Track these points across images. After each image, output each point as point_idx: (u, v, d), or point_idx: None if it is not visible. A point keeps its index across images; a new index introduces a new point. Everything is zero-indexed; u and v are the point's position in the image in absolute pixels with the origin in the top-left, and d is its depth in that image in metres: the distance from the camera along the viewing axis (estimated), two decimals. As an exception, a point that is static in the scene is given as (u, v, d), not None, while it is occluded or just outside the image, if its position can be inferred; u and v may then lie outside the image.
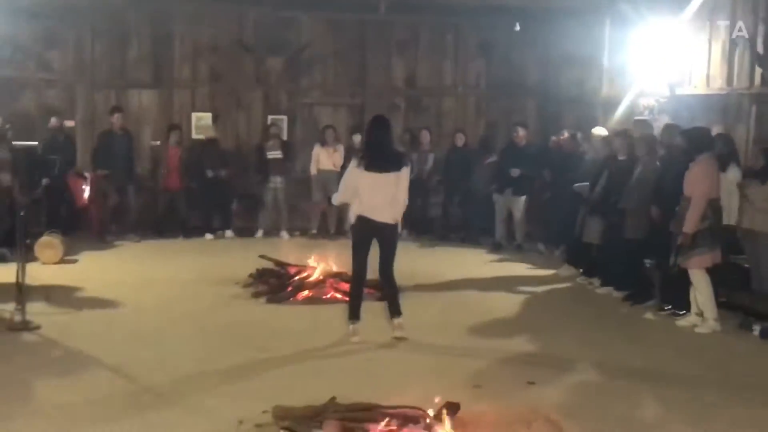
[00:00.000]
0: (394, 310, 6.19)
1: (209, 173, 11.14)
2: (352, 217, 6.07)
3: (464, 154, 11.37)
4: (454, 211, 11.64)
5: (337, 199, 6.28)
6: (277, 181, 11.35)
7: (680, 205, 6.56)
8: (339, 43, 12.61)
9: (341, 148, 11.54)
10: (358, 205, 5.97)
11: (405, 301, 6.35)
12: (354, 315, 6.15)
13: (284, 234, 11.48)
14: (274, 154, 11.39)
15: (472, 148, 11.61)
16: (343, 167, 10.60)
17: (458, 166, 11.22)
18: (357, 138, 11.47)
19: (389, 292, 6.23)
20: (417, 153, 11.52)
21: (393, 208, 5.95)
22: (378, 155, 5.92)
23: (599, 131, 9.23)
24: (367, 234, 6.01)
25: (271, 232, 11.45)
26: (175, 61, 12.21)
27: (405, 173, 5.97)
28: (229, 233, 11.38)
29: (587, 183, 8.37)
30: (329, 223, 11.65)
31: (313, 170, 11.55)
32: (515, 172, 10.44)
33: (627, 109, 10.49)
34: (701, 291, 6.56)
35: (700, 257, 6.47)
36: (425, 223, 11.75)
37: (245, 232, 11.46)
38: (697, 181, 6.44)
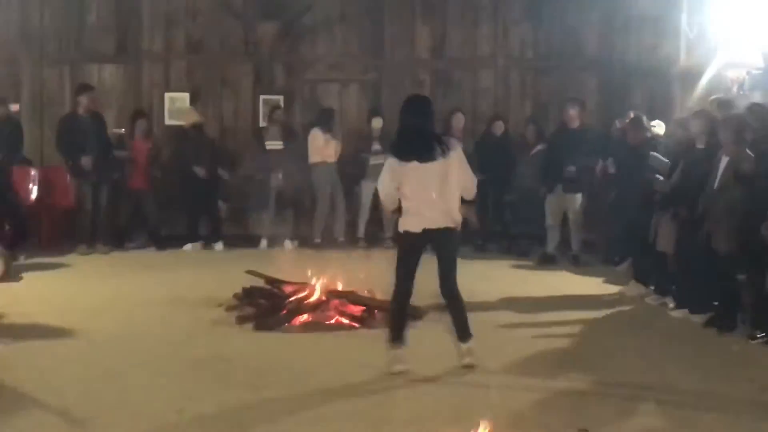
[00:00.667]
0: (462, 332, 6.22)
1: (199, 172, 11.24)
2: (401, 225, 6.13)
3: (503, 144, 11.40)
4: (493, 216, 11.64)
5: (388, 204, 6.25)
6: (278, 178, 11.43)
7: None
8: (348, 4, 12.69)
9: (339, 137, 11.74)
10: (404, 210, 6.07)
11: (427, 327, 6.36)
12: (397, 337, 6.14)
13: (288, 243, 11.58)
14: (274, 144, 11.48)
15: (514, 136, 11.65)
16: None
17: (496, 158, 11.23)
18: (377, 122, 11.56)
19: (454, 310, 6.27)
20: None
21: (448, 206, 6.03)
22: (416, 141, 6.00)
23: (658, 126, 9.24)
24: (418, 244, 6.10)
25: (276, 240, 11.62)
26: (143, 29, 12.35)
27: (456, 158, 6.03)
28: (218, 246, 11.54)
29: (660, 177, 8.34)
30: (340, 227, 11.76)
31: (315, 159, 11.67)
32: (570, 170, 10.43)
33: (710, 83, 10.45)
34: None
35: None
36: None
37: (236, 241, 11.57)
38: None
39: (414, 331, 6.57)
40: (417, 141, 6.02)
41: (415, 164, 5.95)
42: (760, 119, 7.11)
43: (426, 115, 6.14)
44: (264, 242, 11.67)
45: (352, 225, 11.99)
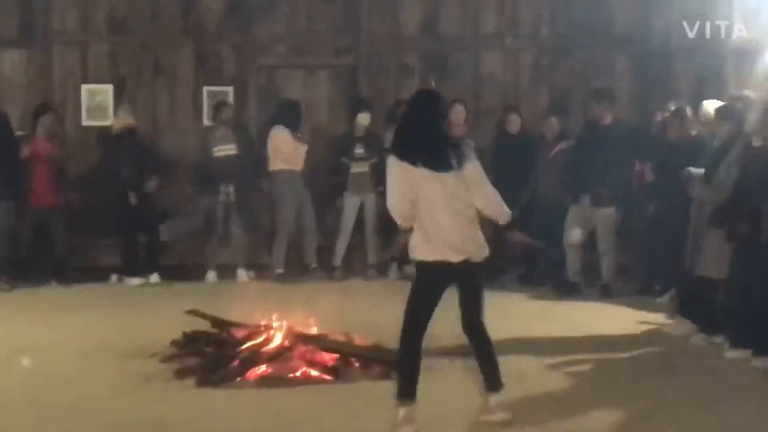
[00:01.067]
0: (492, 381, 6.27)
1: (132, 198, 11.39)
2: (415, 252, 6.12)
3: (521, 145, 11.45)
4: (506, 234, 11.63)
5: (402, 220, 6.17)
6: (229, 192, 11.46)
7: None
8: (315, -32, 12.80)
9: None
10: (419, 232, 6.05)
11: (424, 376, 6.35)
12: (406, 392, 6.14)
13: (242, 274, 11.67)
14: (225, 149, 11.52)
15: (531, 134, 11.73)
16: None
17: (512, 162, 11.26)
18: (364, 119, 11.62)
19: (481, 351, 6.33)
20: None
21: (472, 232, 6.09)
22: (425, 143, 6.04)
23: (710, 106, 9.34)
24: (441, 278, 6.12)
25: (226, 272, 11.71)
26: (54, 4, 12.35)
27: (472, 170, 6.09)
28: (153, 277, 11.60)
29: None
30: (310, 253, 11.85)
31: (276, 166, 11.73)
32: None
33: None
34: None
35: None
36: None
37: (174, 273, 11.63)
38: None
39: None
40: (426, 143, 6.06)
41: (424, 172, 5.98)
42: None
43: (438, 112, 6.21)
44: (211, 274, 11.69)
45: (326, 250, 12.01)
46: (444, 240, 5.99)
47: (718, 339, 8.43)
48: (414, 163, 5.95)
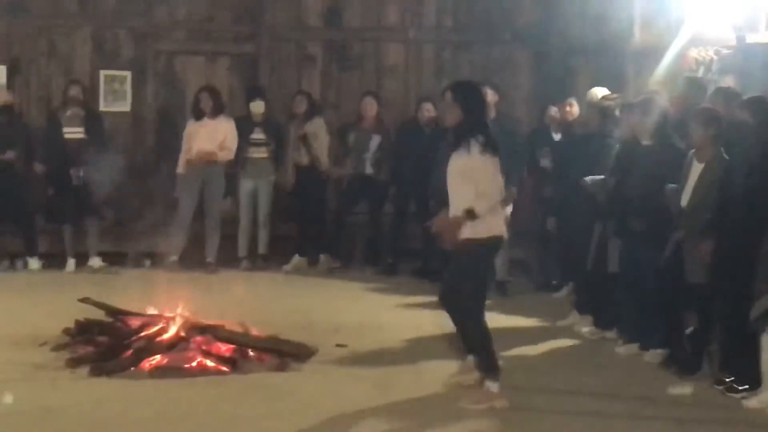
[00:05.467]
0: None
1: (37, 167, 11.25)
2: (484, 231, 6.61)
3: (433, 137, 11.38)
4: (411, 228, 11.65)
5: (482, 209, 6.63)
6: (78, 176, 11.27)
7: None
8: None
9: (230, 124, 11.64)
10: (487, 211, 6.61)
11: (315, 374, 6.38)
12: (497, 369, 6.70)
13: (95, 261, 11.54)
14: (73, 131, 11.31)
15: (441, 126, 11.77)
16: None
17: (421, 154, 11.20)
18: (257, 107, 11.58)
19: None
20: (354, 132, 11.81)
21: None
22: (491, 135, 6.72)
23: (596, 93, 9.68)
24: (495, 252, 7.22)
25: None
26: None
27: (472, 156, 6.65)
28: (33, 262, 11.38)
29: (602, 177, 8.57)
30: (211, 246, 11.77)
31: (180, 166, 11.65)
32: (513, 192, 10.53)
33: (671, 64, 10.72)
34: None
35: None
36: (368, 246, 12.12)
37: (59, 260, 11.47)
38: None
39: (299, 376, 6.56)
40: (490, 132, 6.76)
41: (495, 159, 6.69)
42: (760, 114, 7.20)
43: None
44: (70, 263, 11.53)
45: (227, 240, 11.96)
46: (501, 221, 6.83)
47: (610, 334, 8.61)
48: (495, 153, 6.65)
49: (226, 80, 12.74)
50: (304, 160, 11.77)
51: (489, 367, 6.65)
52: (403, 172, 11.56)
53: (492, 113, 10.71)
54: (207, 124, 11.58)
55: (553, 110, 11.03)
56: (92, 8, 12.43)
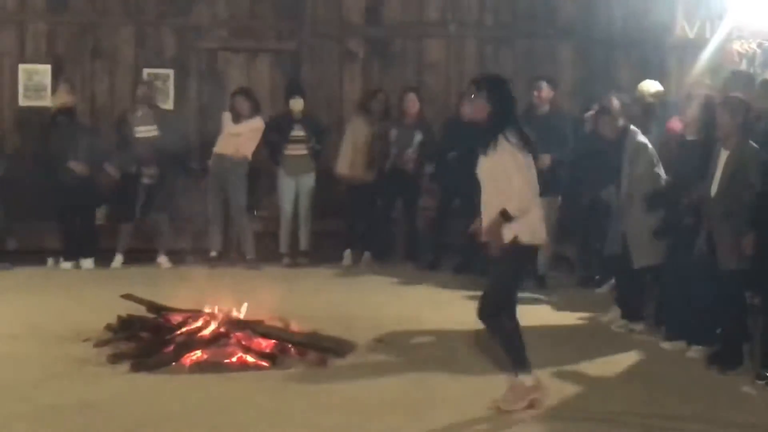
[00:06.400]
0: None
1: (76, 167, 11.26)
2: (521, 236, 6.37)
3: (473, 133, 11.32)
4: (453, 223, 11.65)
5: (521, 211, 6.42)
6: (150, 174, 11.36)
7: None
8: (259, -50, 12.75)
9: (259, 124, 11.64)
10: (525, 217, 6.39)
11: (355, 370, 6.40)
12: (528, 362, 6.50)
13: (163, 260, 11.63)
14: (146, 130, 11.40)
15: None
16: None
17: (465, 149, 11.16)
18: (296, 104, 11.63)
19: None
20: (397, 128, 11.82)
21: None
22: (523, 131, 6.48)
23: (649, 86, 9.59)
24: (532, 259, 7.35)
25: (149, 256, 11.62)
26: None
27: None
28: (87, 263, 11.50)
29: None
30: (245, 242, 11.78)
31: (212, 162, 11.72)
32: (545, 159, 10.47)
33: (713, 57, 10.66)
34: None
35: None
36: (407, 242, 12.07)
37: (110, 257, 11.63)
38: None
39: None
40: (521, 128, 6.50)
41: (530, 159, 6.46)
42: None
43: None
44: (118, 258, 11.63)
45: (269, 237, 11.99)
46: (540, 223, 6.53)
47: (638, 326, 8.69)
48: (529, 149, 6.42)
49: (268, 77, 12.81)
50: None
51: (521, 361, 6.48)
52: (448, 168, 11.50)
53: (546, 107, 10.81)
54: (240, 124, 11.63)
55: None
56: (135, 6, 12.51)
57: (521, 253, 6.47)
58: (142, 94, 11.63)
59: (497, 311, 6.41)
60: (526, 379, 6.43)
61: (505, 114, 6.48)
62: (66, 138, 11.34)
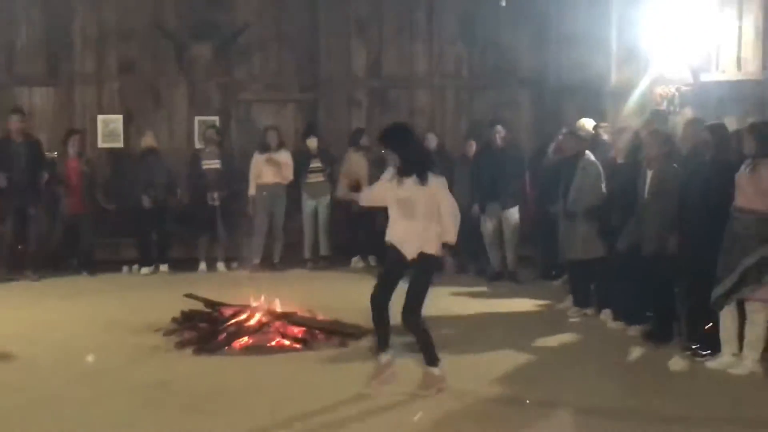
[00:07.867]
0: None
1: (144, 201, 11.28)
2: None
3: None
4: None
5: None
6: (214, 198, 11.40)
7: (733, 222, 6.68)
8: (284, 23, 12.76)
9: (288, 156, 11.65)
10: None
11: (368, 350, 6.39)
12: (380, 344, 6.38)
13: (221, 266, 11.59)
14: (211, 163, 11.45)
15: (449, 152, 11.77)
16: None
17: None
18: (312, 142, 11.62)
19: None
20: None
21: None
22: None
23: (585, 123, 9.76)
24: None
25: (213, 263, 11.63)
26: (75, 50, 12.27)
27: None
28: (164, 267, 11.52)
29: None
30: (276, 251, 11.78)
31: (252, 188, 11.65)
32: None
33: (641, 99, 10.71)
34: (757, 327, 6.70)
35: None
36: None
37: (182, 265, 11.56)
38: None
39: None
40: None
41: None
42: (717, 136, 7.23)
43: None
44: (202, 264, 11.61)
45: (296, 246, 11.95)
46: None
47: (589, 312, 8.71)
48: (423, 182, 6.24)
49: (293, 122, 12.80)
50: None
51: (434, 357, 6.27)
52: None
53: (501, 144, 10.80)
54: (272, 156, 11.61)
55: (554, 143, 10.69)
56: (188, 68, 12.52)
57: (435, 263, 6.33)
58: (209, 136, 11.68)
59: (419, 314, 6.18)
60: (435, 370, 6.25)
61: (416, 155, 6.31)
62: (152, 171, 11.41)
